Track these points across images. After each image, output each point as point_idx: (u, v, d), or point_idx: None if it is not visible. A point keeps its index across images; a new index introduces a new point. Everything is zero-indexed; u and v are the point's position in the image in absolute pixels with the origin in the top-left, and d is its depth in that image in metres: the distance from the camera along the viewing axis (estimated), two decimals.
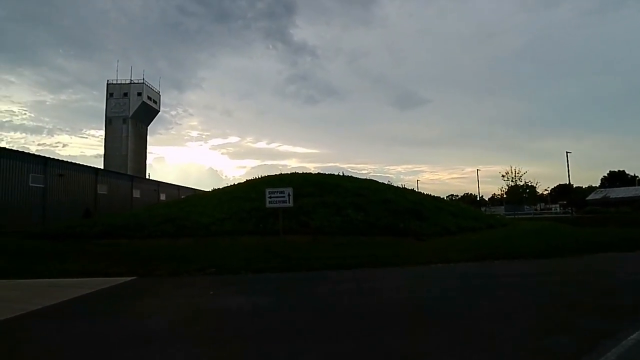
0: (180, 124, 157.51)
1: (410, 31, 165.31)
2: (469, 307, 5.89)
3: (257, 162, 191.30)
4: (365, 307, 6.05)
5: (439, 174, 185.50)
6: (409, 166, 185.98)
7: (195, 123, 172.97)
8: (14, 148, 33.66)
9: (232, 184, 28.55)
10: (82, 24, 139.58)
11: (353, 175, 29.51)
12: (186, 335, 4.76)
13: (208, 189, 32.61)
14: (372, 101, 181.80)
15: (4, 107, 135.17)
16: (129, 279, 8.91)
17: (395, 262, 10.48)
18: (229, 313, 5.87)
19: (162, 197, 54.40)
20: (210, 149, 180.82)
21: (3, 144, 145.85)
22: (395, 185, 29.48)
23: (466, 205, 37.37)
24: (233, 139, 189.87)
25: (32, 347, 4.49)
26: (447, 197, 75.27)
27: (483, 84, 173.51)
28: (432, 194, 30.03)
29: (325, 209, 18.38)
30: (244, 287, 7.98)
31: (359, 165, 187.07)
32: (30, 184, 32.03)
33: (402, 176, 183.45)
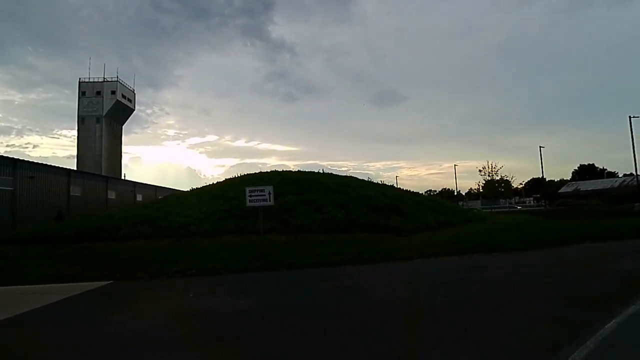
0: (157, 123, 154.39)
1: (389, 29, 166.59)
2: (453, 302, 5.95)
3: (236, 161, 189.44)
4: (349, 306, 6.03)
5: (417, 170, 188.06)
6: (388, 162, 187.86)
7: (172, 122, 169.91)
8: None
9: (211, 183, 28.17)
10: (53, 20, 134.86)
11: (333, 173, 29.55)
12: (167, 339, 4.62)
13: (186, 188, 32.06)
14: (351, 99, 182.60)
15: None
16: (105, 283, 8.62)
17: (377, 258, 10.53)
18: (211, 315, 5.75)
19: (139, 197, 53.18)
20: (187, 148, 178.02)
21: None
22: (375, 181, 29.65)
23: (444, 200, 37.89)
24: (211, 137, 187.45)
25: (4, 356, 4.27)
26: (425, 192, 76.38)
27: (460, 80, 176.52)
28: (412, 190, 30.35)
29: (306, 206, 18.31)
30: (226, 288, 7.84)
31: (338, 163, 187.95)
32: None
33: (381, 172, 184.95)
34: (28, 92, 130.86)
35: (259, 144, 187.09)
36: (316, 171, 28.81)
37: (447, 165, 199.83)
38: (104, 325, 5.49)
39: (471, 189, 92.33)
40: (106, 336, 4.92)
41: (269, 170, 28.87)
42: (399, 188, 31.35)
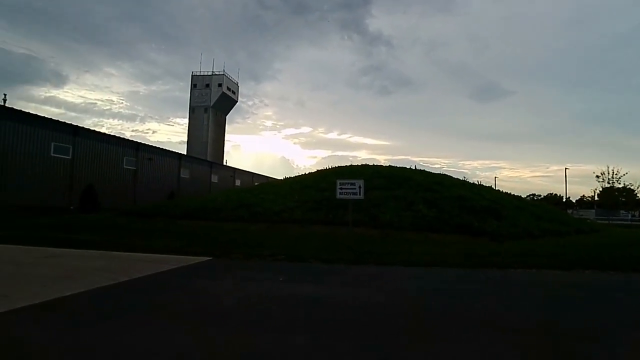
0: (256, 114, 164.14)
1: (494, 18, 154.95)
2: (561, 322, 5.31)
3: (327, 153, 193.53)
4: (438, 312, 5.74)
5: (519, 172, 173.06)
6: (486, 162, 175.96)
7: (270, 113, 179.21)
8: (112, 134, 37.32)
9: (304, 173, 29.08)
10: (172, 20, 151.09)
11: (425, 170, 28.54)
12: (256, 318, 4.86)
13: (280, 177, 33.60)
14: (448, 93, 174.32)
15: (105, 97, 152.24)
16: (206, 258, 9.43)
17: (468, 263, 9.88)
18: (297, 299, 5.91)
19: (238, 182, 57.22)
20: (283, 138, 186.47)
21: (103, 130, 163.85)
22: (470, 181, 27.93)
23: (550, 206, 34.29)
24: (305, 129, 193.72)
25: (120, 313, 4.88)
26: (527, 196, 70.00)
27: (576, 74, 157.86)
28: (512, 192, 28.01)
29: (395, 203, 17.97)
30: (313, 276, 8.01)
31: (431, 159, 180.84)
32: (125, 167, 35.40)
33: (478, 172, 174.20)
34: (150, 84, 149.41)
35: (350, 136, 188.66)
36: (407, 167, 28.12)
37: (555, 168, 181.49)
38: (204, 295, 6.00)
39: (583, 196, 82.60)
40: (204, 306, 5.35)
41: (360, 164, 28.91)
42: (497, 190, 29.14)
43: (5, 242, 11.01)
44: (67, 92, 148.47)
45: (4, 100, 31.82)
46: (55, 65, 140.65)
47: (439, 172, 29.72)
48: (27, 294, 5.43)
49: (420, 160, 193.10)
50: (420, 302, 6.15)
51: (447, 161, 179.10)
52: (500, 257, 10.80)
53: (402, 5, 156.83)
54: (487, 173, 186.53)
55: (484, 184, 28.76)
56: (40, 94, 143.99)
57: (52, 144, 28.58)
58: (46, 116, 29.35)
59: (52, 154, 28.61)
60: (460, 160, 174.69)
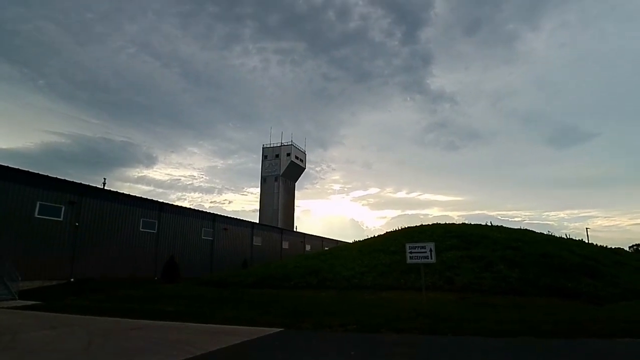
0: (324, 179, 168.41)
1: (563, 62, 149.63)
2: None
3: (397, 212, 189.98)
4: None
5: (616, 220, 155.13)
6: (574, 211, 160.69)
7: (337, 177, 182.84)
8: (193, 207, 40.37)
9: (373, 235, 28.72)
10: (246, 100, 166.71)
11: (503, 225, 26.75)
12: None
13: (350, 239, 33.49)
14: (521, 142, 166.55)
15: (188, 173, 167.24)
16: (277, 330, 9.43)
17: (564, 332, 8.76)
18: None
19: (308, 247, 57.67)
20: (351, 200, 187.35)
21: (185, 203, 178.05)
22: (556, 235, 25.54)
23: None
24: (373, 190, 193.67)
25: None
26: (630, 248, 61.58)
27: None
28: (609, 246, 25.08)
29: (471, 263, 16.88)
30: (386, 348, 7.60)
31: (509, 212, 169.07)
32: (203, 237, 37.62)
33: (565, 223, 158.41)
34: (227, 159, 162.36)
35: (420, 194, 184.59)
36: (483, 223, 26.70)
37: None
38: None
39: None
40: None
41: (430, 223, 28.02)
42: (591, 243, 26.27)
43: (101, 314, 12.08)
44: (156, 171, 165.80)
45: (104, 184, 36.31)
46: (147, 149, 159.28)
47: (519, 226, 27.68)
48: None
49: (498, 214, 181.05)
50: None
51: (528, 213, 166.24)
52: (601, 323, 9.47)
53: (464, 62, 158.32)
54: (576, 224, 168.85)
55: (574, 237, 26.18)
56: (134, 174, 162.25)
57: (142, 219, 31.53)
58: (137, 195, 32.82)
59: (141, 229, 31.43)
60: (544, 212, 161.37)
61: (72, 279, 24.33)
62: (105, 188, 31.54)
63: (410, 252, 14.45)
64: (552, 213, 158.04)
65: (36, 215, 22.91)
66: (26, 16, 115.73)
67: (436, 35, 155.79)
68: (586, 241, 28.44)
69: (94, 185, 28.48)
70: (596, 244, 25.93)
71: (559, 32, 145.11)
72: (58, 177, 24.87)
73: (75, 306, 14.06)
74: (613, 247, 26.07)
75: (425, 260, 14.21)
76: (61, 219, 24.44)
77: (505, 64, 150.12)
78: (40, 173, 23.60)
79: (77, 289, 21.07)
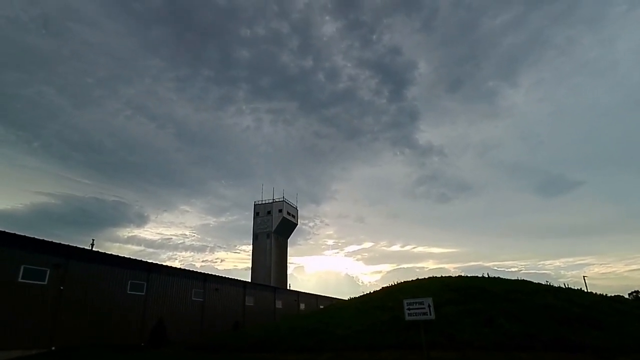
0: (317, 234, 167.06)
1: (543, 115, 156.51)
2: None
3: (392, 266, 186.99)
4: None
5: (612, 266, 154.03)
6: (570, 259, 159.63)
7: (331, 232, 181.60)
8: (184, 266, 39.36)
9: (369, 291, 28.00)
10: (238, 158, 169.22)
11: (500, 276, 26.30)
12: None
13: (345, 296, 32.58)
14: (511, 192, 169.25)
15: (179, 232, 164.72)
16: None
17: None
18: None
19: (302, 306, 55.78)
20: (345, 255, 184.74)
21: (176, 262, 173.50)
22: (554, 284, 25.08)
23: None
24: (367, 244, 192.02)
25: None
26: (630, 295, 60.38)
27: None
28: (608, 294, 24.64)
29: (471, 318, 16.35)
30: None
31: (506, 263, 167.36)
32: (193, 299, 36.24)
33: (562, 271, 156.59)
34: (219, 216, 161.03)
35: (414, 247, 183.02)
36: (480, 275, 26.27)
37: None
38: None
39: None
40: None
41: (427, 277, 27.50)
42: (590, 292, 25.80)
43: None
44: (147, 230, 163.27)
45: (92, 245, 35.38)
46: (139, 208, 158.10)
47: (516, 276, 27.38)
48: None
49: (494, 265, 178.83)
50: None
51: (524, 263, 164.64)
52: None
53: (449, 117, 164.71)
54: (573, 272, 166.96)
55: (572, 286, 25.72)
56: (125, 234, 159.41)
57: (129, 282, 30.38)
58: (126, 256, 31.86)
59: (129, 292, 30.18)
60: (540, 261, 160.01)
61: (52, 347, 22.91)
62: (94, 249, 30.77)
63: (409, 309, 14.03)
64: (548, 262, 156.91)
65: (19, 279, 22.03)
66: (28, 81, 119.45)
67: (421, 93, 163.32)
68: (585, 290, 27.97)
69: (82, 246, 27.69)
70: (595, 293, 25.47)
71: (536, 88, 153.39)
72: (45, 238, 24.24)
73: None
74: (612, 294, 25.63)
75: (424, 317, 13.78)
76: (45, 283, 23.48)
77: (488, 118, 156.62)
78: (27, 235, 23.00)
79: None
